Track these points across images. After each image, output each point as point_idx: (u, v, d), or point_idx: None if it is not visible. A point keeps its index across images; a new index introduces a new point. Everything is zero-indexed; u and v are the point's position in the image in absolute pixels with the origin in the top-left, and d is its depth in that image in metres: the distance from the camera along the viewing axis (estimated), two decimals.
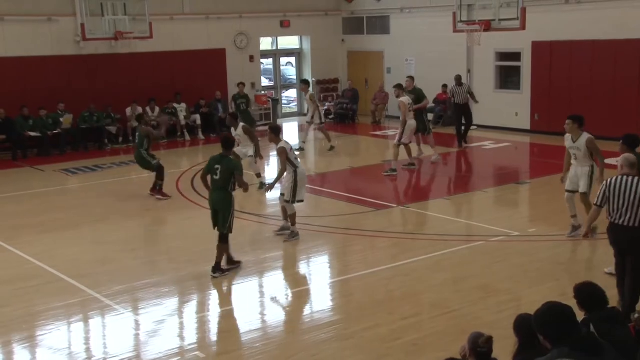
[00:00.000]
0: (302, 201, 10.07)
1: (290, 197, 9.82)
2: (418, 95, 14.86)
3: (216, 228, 8.64)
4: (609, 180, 7.00)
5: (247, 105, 19.00)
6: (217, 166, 8.53)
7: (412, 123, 14.21)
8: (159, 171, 12.80)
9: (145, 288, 8.35)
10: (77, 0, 18.03)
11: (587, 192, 9.43)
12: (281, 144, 9.74)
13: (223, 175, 8.48)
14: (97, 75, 18.68)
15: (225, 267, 8.72)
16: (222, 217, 8.51)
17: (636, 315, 4.72)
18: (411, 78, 15.65)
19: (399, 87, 14.44)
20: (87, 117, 18.24)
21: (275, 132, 10.05)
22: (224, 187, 8.53)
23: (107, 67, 18.85)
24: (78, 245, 10.29)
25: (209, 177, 8.76)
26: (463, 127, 16.87)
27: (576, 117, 9.51)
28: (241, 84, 19.18)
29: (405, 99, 14.22)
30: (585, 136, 9.37)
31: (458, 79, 16.92)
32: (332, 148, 16.93)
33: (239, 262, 8.91)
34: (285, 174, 9.82)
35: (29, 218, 11.76)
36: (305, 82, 17.52)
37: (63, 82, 18.17)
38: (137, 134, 13.11)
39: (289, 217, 10.00)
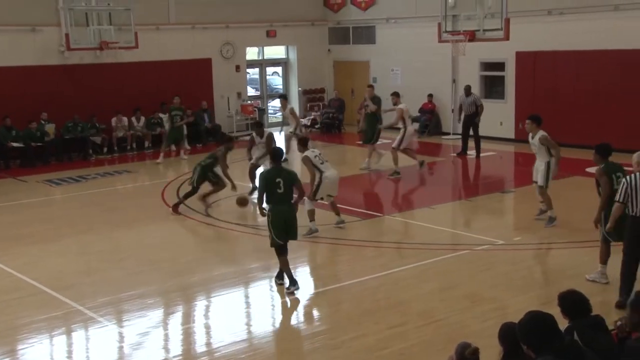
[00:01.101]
0: (322, 199, 10.78)
1: (311, 194, 10.47)
2: (378, 104, 15.34)
3: (289, 240, 8.45)
4: (629, 177, 7.37)
5: (182, 118, 17.54)
6: (278, 179, 8.28)
7: (410, 129, 14.75)
8: (191, 192, 12.37)
9: (130, 300, 8.28)
10: (62, 10, 17.97)
11: (543, 185, 10.50)
12: (305, 153, 10.57)
13: (286, 188, 8.31)
14: (81, 85, 18.59)
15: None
16: (295, 229, 8.47)
17: (619, 322, 4.74)
18: (372, 87, 16.17)
19: (395, 94, 14.93)
20: (71, 127, 18.13)
21: (303, 144, 10.81)
22: (291, 199, 8.43)
23: (92, 77, 18.76)
24: (62, 256, 10.19)
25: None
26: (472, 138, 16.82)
27: (534, 116, 10.65)
28: (177, 97, 17.67)
29: (403, 106, 14.64)
30: (540, 133, 10.37)
31: (467, 90, 16.92)
32: (285, 159, 16.50)
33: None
34: (336, 173, 10.81)
35: (12, 230, 11.64)
36: (284, 97, 17.44)
37: (47, 92, 18.06)
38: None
39: (308, 212, 10.50)
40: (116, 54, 18.20)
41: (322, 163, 10.72)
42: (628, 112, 16.03)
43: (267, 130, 13.53)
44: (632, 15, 15.74)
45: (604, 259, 8.18)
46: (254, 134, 13.46)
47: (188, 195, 12.33)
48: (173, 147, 18.04)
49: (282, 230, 8.35)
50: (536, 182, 10.70)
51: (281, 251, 8.45)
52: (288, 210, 8.40)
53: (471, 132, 16.75)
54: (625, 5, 15.81)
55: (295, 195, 8.48)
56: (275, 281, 8.67)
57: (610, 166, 8.07)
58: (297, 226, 8.58)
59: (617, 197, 7.45)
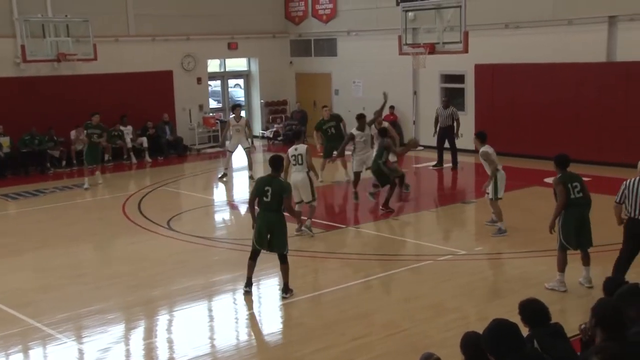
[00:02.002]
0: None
1: (312, 197, 11.05)
2: (338, 120, 15.57)
3: (270, 249, 8.53)
4: (628, 181, 7.87)
5: (101, 136, 16.04)
6: (266, 188, 8.38)
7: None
8: (393, 184, 12.71)
9: (89, 315, 8.12)
10: (17, 21, 17.64)
11: (492, 198, 10.87)
12: (288, 150, 11.27)
13: (274, 198, 8.35)
14: (38, 97, 18.25)
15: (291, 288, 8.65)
16: (279, 238, 8.42)
17: (582, 326, 4.83)
18: (327, 107, 16.66)
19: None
20: (28, 140, 17.77)
21: (298, 136, 11.84)
22: (277, 209, 8.43)
23: (50, 89, 18.45)
24: (19, 273, 9.95)
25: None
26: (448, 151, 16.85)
27: (478, 133, 11.28)
28: (96, 115, 15.96)
29: (386, 124, 14.60)
30: (482, 149, 10.84)
31: (445, 102, 17.03)
32: (251, 177, 16.13)
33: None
34: (300, 178, 11.02)
35: None
36: (239, 106, 17.24)
37: (2, 104, 17.68)
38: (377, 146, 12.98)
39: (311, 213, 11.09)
40: (74, 65, 17.94)
41: (294, 165, 11.09)
42: (582, 124, 16.42)
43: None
44: (584, 30, 16.17)
45: (562, 267, 8.34)
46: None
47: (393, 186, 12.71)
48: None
49: (264, 238, 8.41)
50: (487, 194, 10.98)
51: (251, 255, 8.59)
52: (272, 220, 8.39)
53: (447, 145, 16.84)
54: (578, 19, 16.24)
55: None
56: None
57: (568, 176, 8.27)
58: (284, 239, 8.42)
59: (616, 199, 7.95)
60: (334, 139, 15.17)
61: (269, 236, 8.40)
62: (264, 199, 8.39)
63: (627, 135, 15.70)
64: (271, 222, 8.40)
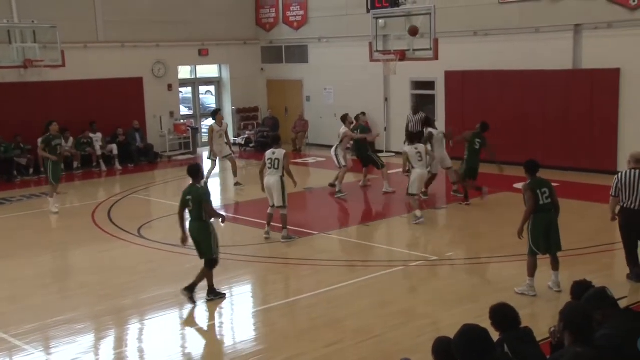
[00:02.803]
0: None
1: (282, 202, 11.12)
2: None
3: (200, 257, 8.70)
4: (620, 174, 8.60)
5: (61, 146, 14.52)
6: (188, 197, 8.51)
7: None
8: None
9: (57, 325, 7.99)
10: None
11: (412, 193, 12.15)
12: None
13: (195, 205, 8.47)
14: (4, 104, 17.94)
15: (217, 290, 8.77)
16: (205, 245, 8.54)
17: (552, 329, 4.89)
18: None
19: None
20: None
21: (276, 141, 11.59)
22: (199, 217, 8.51)
23: (16, 96, 18.16)
24: None
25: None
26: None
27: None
28: (53, 122, 14.12)
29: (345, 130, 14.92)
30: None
31: (414, 108, 17.08)
32: (237, 183, 16.04)
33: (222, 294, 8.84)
34: (273, 181, 11.09)
35: None
36: (218, 112, 17.04)
37: None
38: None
39: (283, 219, 11.17)
40: (41, 72, 17.64)
41: (269, 168, 11.25)
42: (549, 130, 16.67)
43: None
44: (551, 38, 16.45)
45: (532, 272, 8.45)
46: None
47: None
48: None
49: (195, 246, 8.67)
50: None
51: (205, 262, 8.70)
52: (193, 228, 8.58)
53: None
54: (544, 28, 16.52)
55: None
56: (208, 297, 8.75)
57: (537, 182, 8.40)
58: (211, 245, 8.52)
59: (611, 192, 8.63)
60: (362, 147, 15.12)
61: (198, 244, 8.61)
62: (188, 208, 8.56)
63: (593, 140, 15.98)
64: (194, 230, 8.59)
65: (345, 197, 14.45)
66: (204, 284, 8.66)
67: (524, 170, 8.54)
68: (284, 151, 11.37)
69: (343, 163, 14.73)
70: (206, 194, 8.70)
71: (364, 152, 15.21)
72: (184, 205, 8.62)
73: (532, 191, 8.28)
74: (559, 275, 8.52)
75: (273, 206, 11.31)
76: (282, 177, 11.19)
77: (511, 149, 16.80)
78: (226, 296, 8.83)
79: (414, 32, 14.21)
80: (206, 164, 16.77)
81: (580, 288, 5.20)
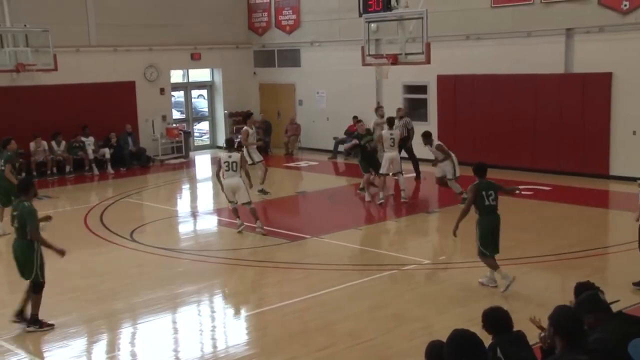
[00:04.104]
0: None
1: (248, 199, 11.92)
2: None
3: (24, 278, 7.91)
4: None
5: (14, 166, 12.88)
6: (14, 213, 7.76)
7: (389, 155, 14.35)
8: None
9: (49, 329, 7.94)
10: None
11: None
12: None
13: (19, 223, 7.70)
14: None
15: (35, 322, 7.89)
16: (27, 267, 7.78)
17: (542, 334, 4.90)
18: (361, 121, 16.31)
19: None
20: None
21: (231, 145, 12.56)
22: (23, 236, 7.72)
23: (8, 100, 18.09)
24: None
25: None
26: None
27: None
28: (12, 140, 12.98)
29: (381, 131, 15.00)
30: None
31: (398, 112, 17.11)
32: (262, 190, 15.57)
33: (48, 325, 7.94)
34: (235, 181, 11.76)
35: None
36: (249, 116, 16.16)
37: None
38: None
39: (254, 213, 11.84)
40: (33, 76, 17.61)
41: (227, 170, 11.82)
42: (541, 133, 16.73)
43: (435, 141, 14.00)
44: (543, 42, 16.53)
45: (495, 266, 8.72)
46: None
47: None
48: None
49: (17, 266, 7.93)
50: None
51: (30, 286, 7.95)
52: (15, 246, 7.87)
53: (405, 154, 16.81)
54: (536, 32, 16.60)
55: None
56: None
57: (484, 184, 8.74)
58: (34, 266, 7.75)
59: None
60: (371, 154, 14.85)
61: (20, 264, 7.83)
62: (13, 225, 7.82)
63: (584, 144, 16.05)
64: (17, 249, 7.83)
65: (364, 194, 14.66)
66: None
67: (473, 172, 8.85)
68: (240, 154, 12.23)
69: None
70: (30, 213, 7.71)
71: (371, 157, 14.92)
72: (12, 221, 7.84)
73: (474, 193, 8.61)
74: (495, 274, 8.80)
75: (233, 202, 12.05)
76: (240, 177, 11.90)
77: (503, 152, 16.89)
78: (54, 326, 7.94)
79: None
80: (206, 167, 16.81)
81: (584, 289, 5.19)
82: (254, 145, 15.11)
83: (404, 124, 16.65)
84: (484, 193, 8.58)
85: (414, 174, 16.72)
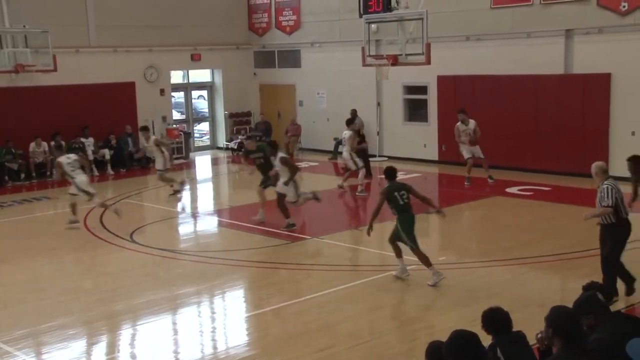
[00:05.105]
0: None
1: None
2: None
3: None
4: (615, 183, 8.24)
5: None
6: None
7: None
8: None
9: (50, 331, 7.95)
10: None
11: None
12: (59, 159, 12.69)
13: None
14: None
15: None
16: None
17: (539, 335, 4.91)
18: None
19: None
20: None
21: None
22: None
23: (7, 101, 18.10)
24: None
25: None
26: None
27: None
28: None
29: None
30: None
31: (353, 113, 17.14)
32: (175, 193, 15.76)
33: None
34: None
35: None
36: (145, 129, 16.15)
37: None
38: None
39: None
40: (33, 77, 17.62)
41: (72, 170, 12.49)
42: (541, 134, 16.74)
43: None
44: (542, 43, 16.54)
45: (428, 262, 9.06)
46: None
47: None
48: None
49: None
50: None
51: None
52: None
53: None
54: (536, 33, 16.60)
55: None
56: None
57: (394, 186, 9.22)
58: None
59: (610, 202, 8.28)
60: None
61: None
62: None
63: (584, 145, 16.05)
64: None
65: (364, 195, 15.02)
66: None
67: (383, 176, 9.34)
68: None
69: (360, 164, 15.49)
70: None
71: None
72: None
73: (384, 195, 9.10)
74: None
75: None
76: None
77: (503, 153, 16.89)
78: None
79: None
80: (206, 167, 16.80)
81: (591, 288, 5.18)
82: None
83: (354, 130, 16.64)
84: (396, 194, 9.06)
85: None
